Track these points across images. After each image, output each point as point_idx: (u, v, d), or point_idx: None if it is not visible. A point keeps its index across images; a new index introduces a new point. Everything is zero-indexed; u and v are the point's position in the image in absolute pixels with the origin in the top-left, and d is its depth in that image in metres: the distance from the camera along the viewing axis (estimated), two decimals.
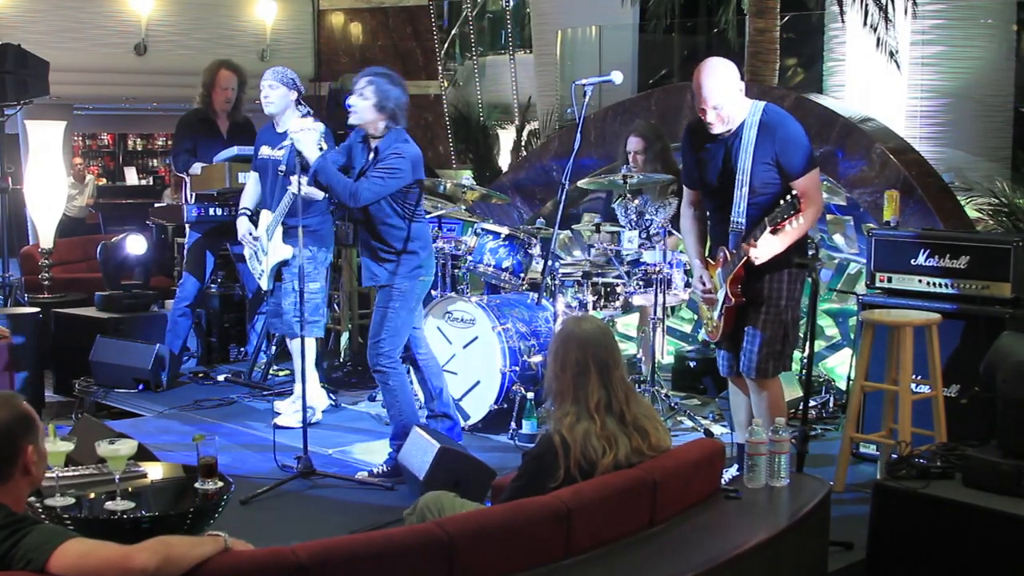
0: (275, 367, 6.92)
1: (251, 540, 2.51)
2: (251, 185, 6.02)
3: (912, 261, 4.92)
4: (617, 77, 5.25)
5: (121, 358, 6.53)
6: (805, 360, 4.55)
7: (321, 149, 4.92)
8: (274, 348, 6.90)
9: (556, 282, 5.77)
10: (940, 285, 4.84)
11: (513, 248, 5.81)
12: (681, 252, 5.67)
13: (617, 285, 5.68)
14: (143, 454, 3.65)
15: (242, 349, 7.38)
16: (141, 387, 6.49)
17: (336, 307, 7.15)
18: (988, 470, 3.56)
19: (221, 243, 6.79)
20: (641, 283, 5.65)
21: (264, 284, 5.97)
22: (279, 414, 5.80)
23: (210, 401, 6.32)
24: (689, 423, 5.66)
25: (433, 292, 5.78)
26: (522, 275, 5.81)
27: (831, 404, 5.90)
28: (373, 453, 5.27)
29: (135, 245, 7.30)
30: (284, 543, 2.52)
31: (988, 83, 8.70)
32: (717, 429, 5.57)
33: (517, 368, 5.56)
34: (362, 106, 4.84)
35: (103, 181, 16.72)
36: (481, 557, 2.68)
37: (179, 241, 7.87)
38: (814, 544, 3.56)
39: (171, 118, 9.26)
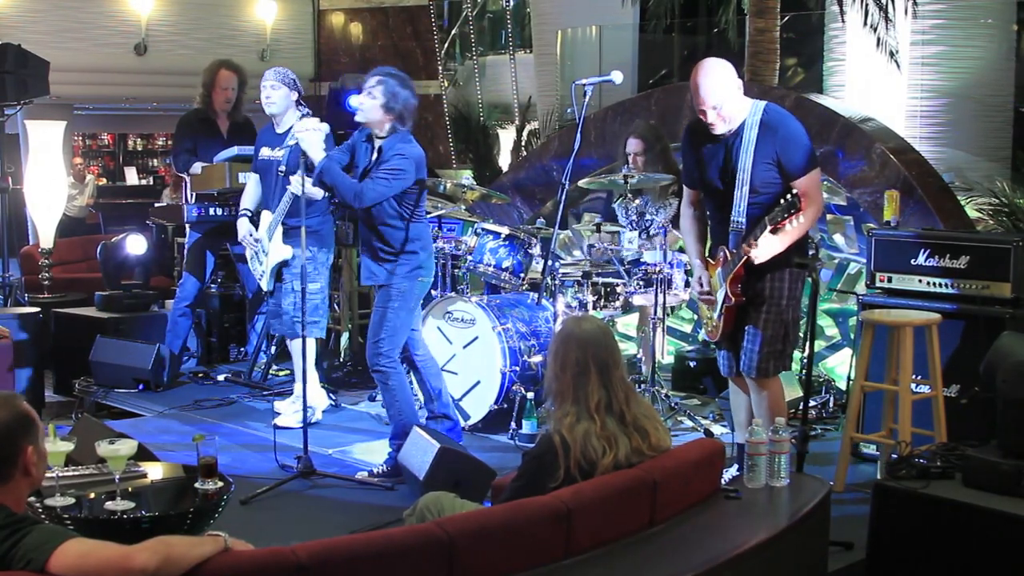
0: (275, 367, 6.92)
1: (251, 540, 2.51)
2: (251, 186, 6.02)
3: (912, 261, 4.92)
4: (617, 77, 5.25)
5: (121, 358, 6.53)
6: (805, 360, 4.55)
7: (323, 150, 4.92)
8: (274, 348, 6.90)
9: (556, 282, 5.77)
10: (940, 285, 4.83)
11: (513, 248, 5.81)
12: (680, 250, 5.67)
13: (617, 285, 5.68)
14: (143, 454, 3.64)
15: (242, 349, 7.39)
16: (141, 387, 6.48)
17: (336, 307, 7.15)
18: (988, 470, 3.56)
19: (221, 243, 6.79)
20: (641, 283, 5.65)
21: (265, 285, 5.97)
22: (279, 414, 5.80)
23: (210, 401, 6.32)
24: (689, 423, 5.66)
25: (433, 292, 5.78)
26: (522, 275, 5.80)
27: (831, 404, 5.89)
28: (373, 453, 5.27)
29: (135, 245, 7.30)
30: (284, 543, 2.52)
31: (988, 83, 8.70)
32: (717, 429, 5.57)
33: (517, 368, 5.56)
34: (370, 105, 4.84)
35: (103, 181, 16.70)
36: (481, 557, 2.68)
37: (179, 241, 7.87)
38: (814, 544, 3.56)
39: (171, 118, 9.27)
